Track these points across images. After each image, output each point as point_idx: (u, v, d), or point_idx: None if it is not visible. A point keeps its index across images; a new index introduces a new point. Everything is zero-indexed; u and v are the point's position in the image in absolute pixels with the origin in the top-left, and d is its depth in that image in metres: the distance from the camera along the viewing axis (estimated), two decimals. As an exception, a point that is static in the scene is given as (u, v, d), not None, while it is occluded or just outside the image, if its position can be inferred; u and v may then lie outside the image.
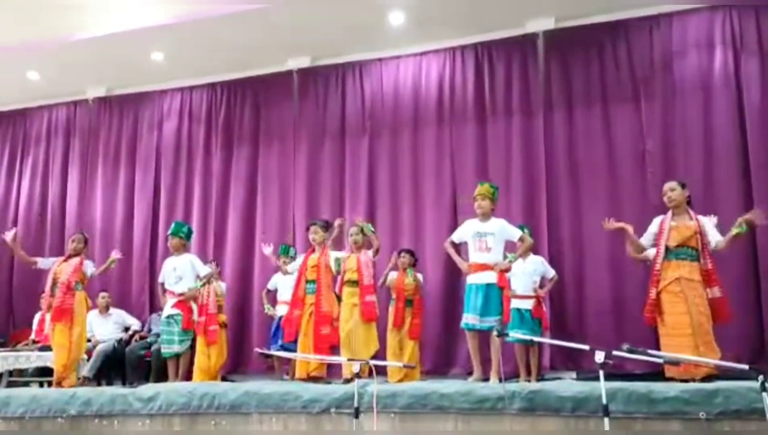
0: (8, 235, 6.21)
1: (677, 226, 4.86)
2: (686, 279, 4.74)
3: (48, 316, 5.97)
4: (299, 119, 8.23)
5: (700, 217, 4.93)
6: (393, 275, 6.46)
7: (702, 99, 6.84)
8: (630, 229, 5.11)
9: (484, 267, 5.15)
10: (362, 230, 6.07)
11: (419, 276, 6.56)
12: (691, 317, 4.67)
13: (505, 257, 5.26)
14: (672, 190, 4.96)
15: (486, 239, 5.19)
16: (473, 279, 5.20)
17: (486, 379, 5.14)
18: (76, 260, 6.14)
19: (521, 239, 5.35)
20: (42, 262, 6.35)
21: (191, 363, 6.38)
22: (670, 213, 4.97)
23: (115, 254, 6.50)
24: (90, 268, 6.29)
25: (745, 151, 6.59)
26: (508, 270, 5.24)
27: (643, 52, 7.08)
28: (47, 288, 6.12)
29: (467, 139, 7.53)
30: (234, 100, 8.59)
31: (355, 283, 5.84)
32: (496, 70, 7.58)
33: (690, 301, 4.69)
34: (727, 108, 6.74)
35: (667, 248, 4.84)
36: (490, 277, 5.09)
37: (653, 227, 5.00)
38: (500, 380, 4.84)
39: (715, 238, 4.86)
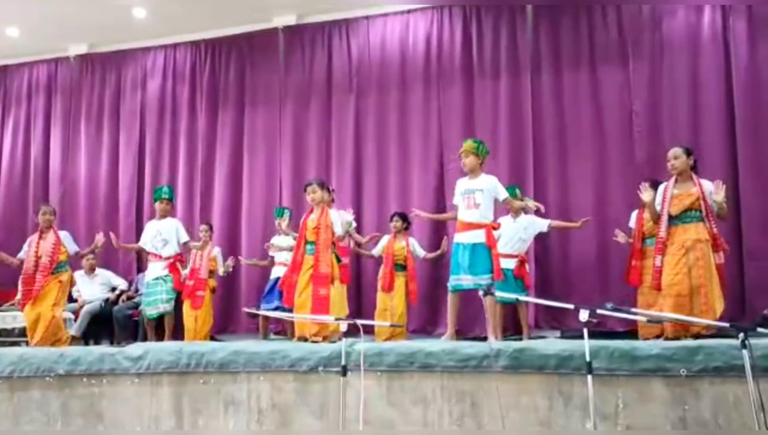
0: None
1: (679, 193, 4.76)
2: (693, 240, 4.64)
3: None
4: (285, 78, 8.13)
5: (704, 182, 4.79)
6: (384, 240, 6.50)
7: (690, 59, 6.83)
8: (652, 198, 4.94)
9: (470, 226, 5.07)
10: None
11: (412, 240, 6.59)
12: (690, 280, 4.61)
13: (495, 218, 5.22)
14: (676, 159, 4.80)
15: (474, 195, 5.10)
16: (460, 238, 5.12)
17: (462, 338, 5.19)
18: (52, 237, 6.00)
19: (506, 202, 5.27)
20: (22, 255, 6.12)
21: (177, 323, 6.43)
22: (672, 179, 4.84)
23: (98, 240, 6.24)
24: (69, 242, 6.16)
25: (731, 111, 6.62)
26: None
27: (632, 12, 7.03)
28: (29, 267, 5.95)
29: (454, 99, 7.48)
30: (219, 59, 8.46)
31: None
32: (483, 29, 7.51)
33: (692, 264, 4.63)
34: (715, 68, 6.74)
35: (669, 216, 4.77)
36: (477, 235, 5.02)
37: (659, 196, 4.88)
38: (491, 338, 4.91)
39: (714, 199, 4.74)
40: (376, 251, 6.64)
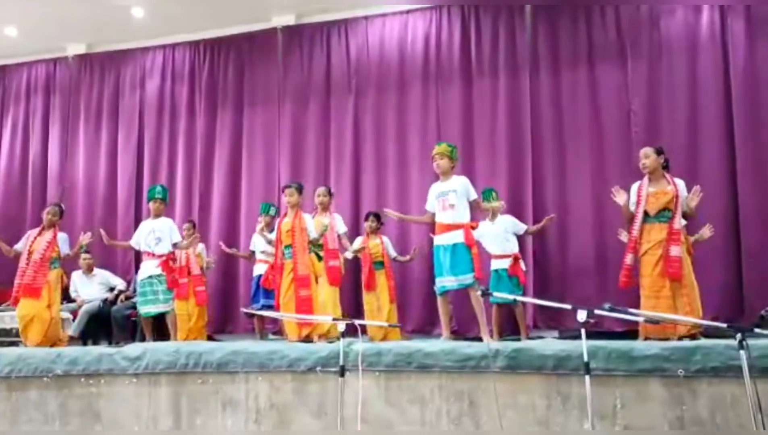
0: None
1: (656, 192, 4.84)
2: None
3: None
4: (284, 78, 8.13)
5: (678, 181, 4.88)
6: (358, 241, 6.49)
7: (688, 59, 6.84)
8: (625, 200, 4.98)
9: (449, 227, 5.08)
10: (329, 191, 6.27)
11: (385, 239, 6.62)
12: (669, 280, 4.67)
13: (472, 218, 5.24)
14: (646, 157, 4.91)
15: (448, 197, 5.13)
16: (440, 240, 5.14)
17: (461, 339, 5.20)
18: (49, 235, 6.05)
19: (475, 202, 5.27)
20: (18, 246, 6.16)
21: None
22: (646, 178, 4.93)
23: (84, 239, 6.23)
24: (64, 245, 6.20)
25: (729, 110, 6.62)
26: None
27: (631, 12, 7.03)
28: (22, 262, 6.00)
29: (453, 99, 7.48)
30: (217, 59, 8.46)
31: (319, 246, 5.84)
32: (482, 29, 7.51)
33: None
34: (713, 68, 6.74)
35: (646, 214, 4.84)
36: (456, 236, 5.03)
37: (633, 196, 4.97)
38: (485, 335, 4.93)
39: (687, 202, 4.83)
40: (348, 254, 6.53)
